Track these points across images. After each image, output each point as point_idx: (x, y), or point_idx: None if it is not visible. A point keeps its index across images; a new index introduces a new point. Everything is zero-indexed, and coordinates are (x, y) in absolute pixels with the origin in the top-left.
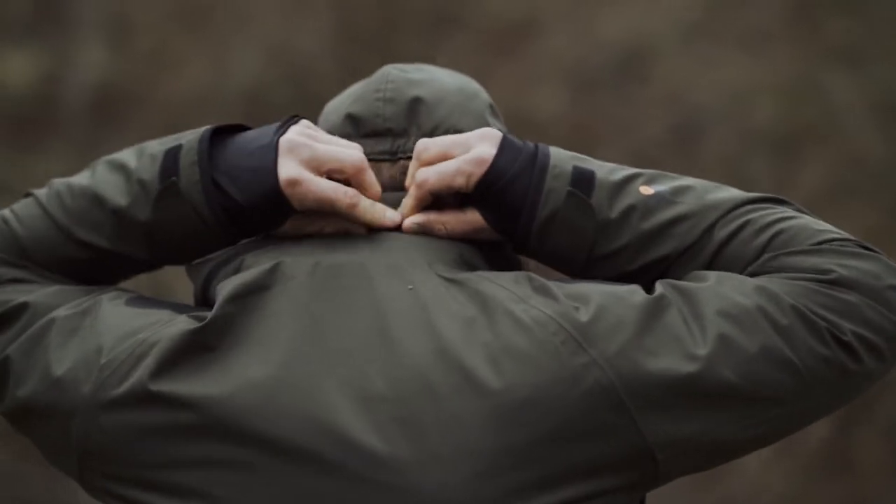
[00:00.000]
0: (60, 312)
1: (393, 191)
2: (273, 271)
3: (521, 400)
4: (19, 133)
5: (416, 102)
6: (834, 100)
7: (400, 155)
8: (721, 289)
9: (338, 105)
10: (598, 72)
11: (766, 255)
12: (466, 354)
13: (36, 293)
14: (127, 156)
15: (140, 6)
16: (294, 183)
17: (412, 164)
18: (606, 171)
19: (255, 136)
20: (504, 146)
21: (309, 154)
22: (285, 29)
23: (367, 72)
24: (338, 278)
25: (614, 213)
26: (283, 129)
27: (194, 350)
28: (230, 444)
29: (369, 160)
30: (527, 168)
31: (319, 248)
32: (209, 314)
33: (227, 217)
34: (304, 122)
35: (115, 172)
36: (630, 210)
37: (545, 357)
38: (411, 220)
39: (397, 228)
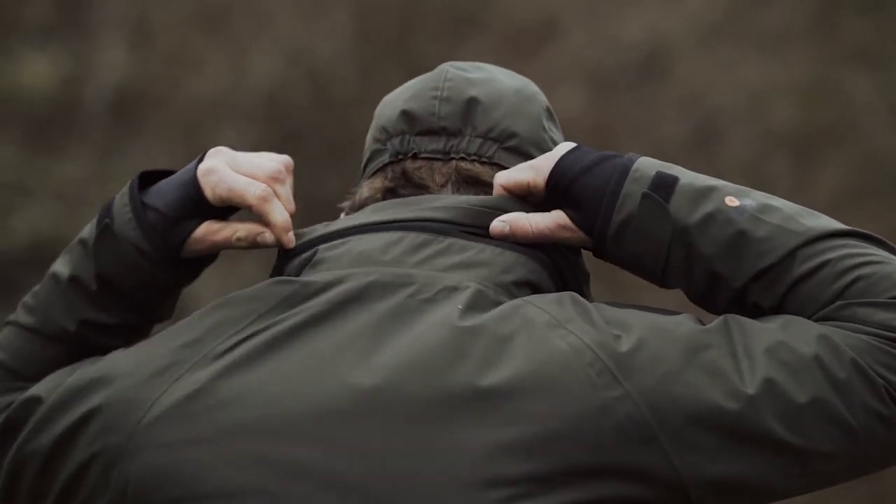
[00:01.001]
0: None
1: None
2: (327, 289)
3: (551, 430)
4: (39, 135)
5: (472, 103)
6: (853, 101)
7: (453, 155)
8: (783, 334)
9: (393, 99)
10: (618, 73)
11: (839, 303)
12: (497, 381)
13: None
14: (81, 234)
15: (160, 9)
16: (208, 171)
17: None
18: (692, 177)
19: (179, 173)
20: (575, 147)
21: (216, 180)
22: (304, 31)
23: (385, 75)
24: (384, 300)
25: (693, 218)
26: (201, 160)
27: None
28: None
29: (422, 158)
30: (605, 167)
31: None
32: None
33: (160, 238)
34: (220, 148)
35: (65, 253)
36: (710, 218)
37: (578, 387)
38: (497, 220)
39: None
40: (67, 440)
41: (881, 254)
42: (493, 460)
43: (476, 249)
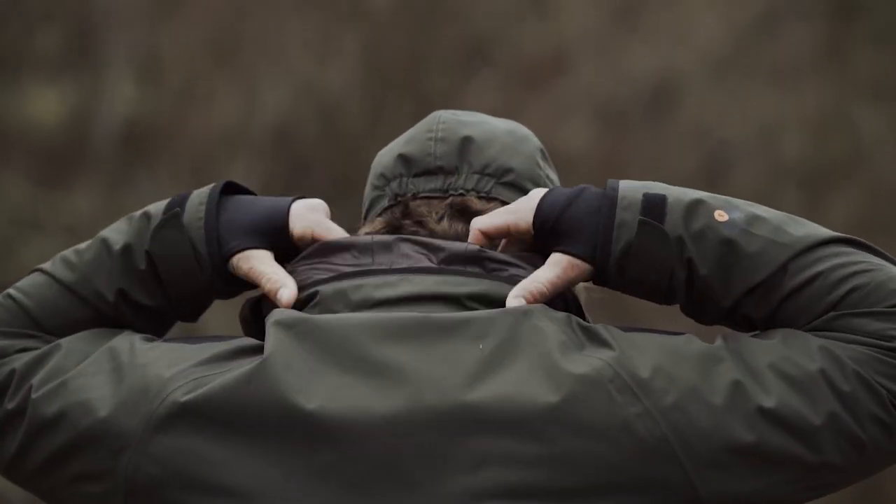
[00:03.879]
0: (79, 345)
1: (442, 221)
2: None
3: (573, 446)
4: (48, 169)
5: (466, 141)
6: (863, 134)
7: (451, 192)
8: (785, 349)
9: (389, 149)
10: (627, 106)
11: (833, 313)
12: (520, 398)
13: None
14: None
15: (170, 43)
16: (310, 209)
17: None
18: (677, 192)
19: (270, 199)
20: (550, 189)
21: (313, 221)
22: (313, 66)
23: (395, 108)
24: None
25: (688, 234)
26: (297, 198)
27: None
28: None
29: (420, 198)
30: (586, 196)
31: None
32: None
33: (217, 245)
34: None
35: (123, 221)
36: (702, 234)
37: (599, 404)
38: (511, 297)
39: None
40: (74, 411)
41: (872, 260)
42: (514, 474)
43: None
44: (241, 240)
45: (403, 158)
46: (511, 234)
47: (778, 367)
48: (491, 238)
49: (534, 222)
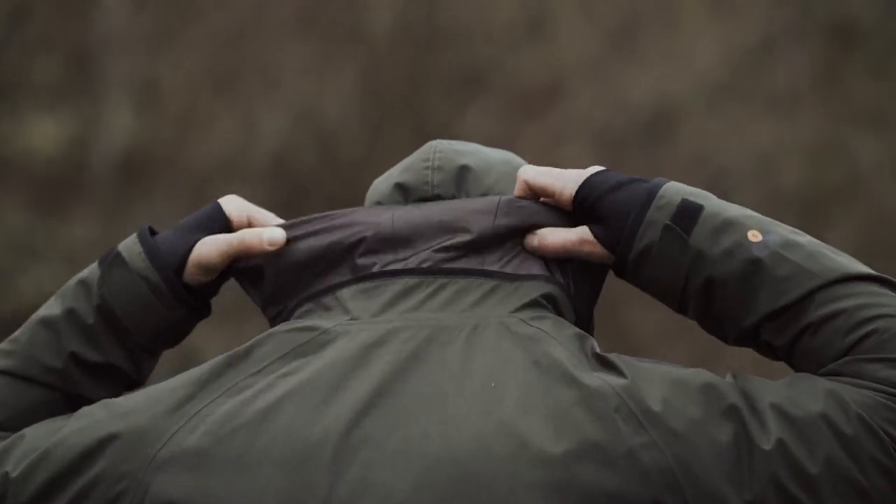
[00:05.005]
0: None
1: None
2: (330, 333)
3: (577, 473)
4: (46, 196)
5: (464, 170)
6: (861, 162)
7: None
8: (790, 390)
9: (388, 176)
10: (625, 133)
11: (848, 357)
12: (524, 424)
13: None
14: (77, 277)
15: (168, 70)
16: (235, 199)
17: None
18: (718, 207)
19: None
20: (605, 169)
21: (244, 204)
22: (312, 92)
23: (393, 135)
24: (408, 342)
25: (714, 251)
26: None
27: None
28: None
29: None
30: (634, 188)
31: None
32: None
33: (173, 271)
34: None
35: (53, 298)
36: (730, 252)
37: (604, 431)
38: (531, 235)
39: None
40: (80, 463)
41: None
42: (518, 500)
43: (481, 290)
44: (186, 240)
45: (400, 187)
46: (552, 196)
47: (780, 407)
48: (534, 192)
49: (575, 195)
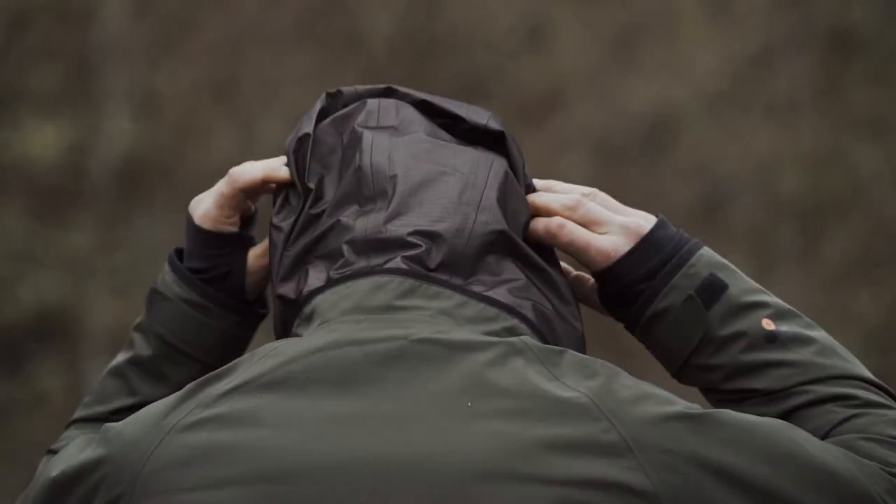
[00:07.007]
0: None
1: None
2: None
3: (559, 496)
4: (45, 205)
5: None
6: (860, 170)
7: None
8: (791, 430)
9: None
10: (624, 142)
11: (836, 429)
12: (510, 449)
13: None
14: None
15: (167, 79)
16: (198, 199)
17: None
18: (741, 290)
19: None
20: (648, 240)
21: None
22: (311, 101)
23: None
24: (385, 367)
25: (723, 332)
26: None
27: None
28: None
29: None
30: (664, 263)
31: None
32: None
33: (202, 280)
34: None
35: (121, 352)
36: (738, 336)
37: (588, 451)
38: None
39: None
40: (68, 483)
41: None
42: None
43: (448, 305)
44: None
45: None
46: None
47: (776, 455)
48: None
49: (602, 275)
